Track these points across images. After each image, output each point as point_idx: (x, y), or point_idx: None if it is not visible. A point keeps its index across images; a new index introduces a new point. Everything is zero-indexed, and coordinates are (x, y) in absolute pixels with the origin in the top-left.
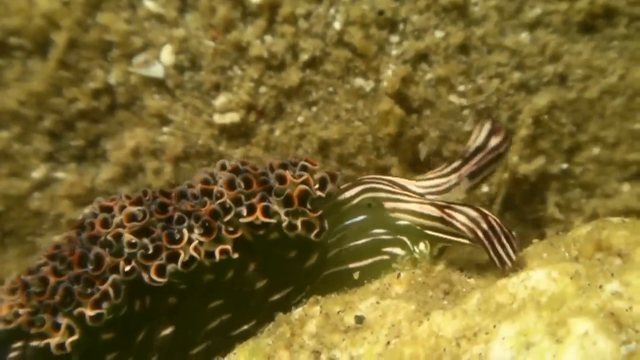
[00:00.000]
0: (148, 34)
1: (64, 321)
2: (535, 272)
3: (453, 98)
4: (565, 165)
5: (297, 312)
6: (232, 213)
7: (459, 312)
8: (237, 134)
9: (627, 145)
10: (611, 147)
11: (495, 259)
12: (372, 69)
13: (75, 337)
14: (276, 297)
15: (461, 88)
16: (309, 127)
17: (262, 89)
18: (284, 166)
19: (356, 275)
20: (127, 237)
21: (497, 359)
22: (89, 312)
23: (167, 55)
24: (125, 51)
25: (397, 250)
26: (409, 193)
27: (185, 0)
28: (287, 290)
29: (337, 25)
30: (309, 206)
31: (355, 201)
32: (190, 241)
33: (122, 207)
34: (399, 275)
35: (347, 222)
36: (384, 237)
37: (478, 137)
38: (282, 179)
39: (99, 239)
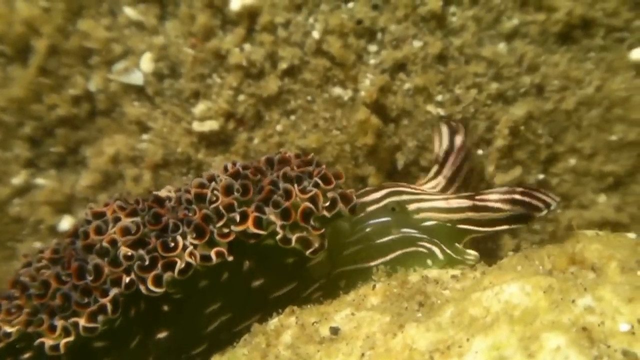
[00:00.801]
0: (128, 42)
1: (59, 323)
2: (509, 286)
3: (431, 108)
4: (541, 176)
5: (272, 323)
6: (225, 219)
7: (432, 325)
8: (216, 141)
9: (604, 156)
10: (588, 158)
11: (540, 205)
12: (350, 78)
13: (70, 339)
14: (279, 293)
15: (439, 98)
16: (288, 136)
17: (241, 97)
18: (299, 179)
19: (382, 268)
20: (124, 250)
21: None
22: (84, 324)
23: (146, 62)
24: (105, 58)
25: (435, 249)
26: (431, 192)
27: (165, 8)
28: (290, 286)
29: (315, 34)
30: (312, 223)
31: (382, 203)
32: (184, 248)
33: (117, 219)
34: (374, 287)
35: (371, 222)
36: (416, 234)
37: (442, 142)
38: (288, 195)
39: (94, 247)
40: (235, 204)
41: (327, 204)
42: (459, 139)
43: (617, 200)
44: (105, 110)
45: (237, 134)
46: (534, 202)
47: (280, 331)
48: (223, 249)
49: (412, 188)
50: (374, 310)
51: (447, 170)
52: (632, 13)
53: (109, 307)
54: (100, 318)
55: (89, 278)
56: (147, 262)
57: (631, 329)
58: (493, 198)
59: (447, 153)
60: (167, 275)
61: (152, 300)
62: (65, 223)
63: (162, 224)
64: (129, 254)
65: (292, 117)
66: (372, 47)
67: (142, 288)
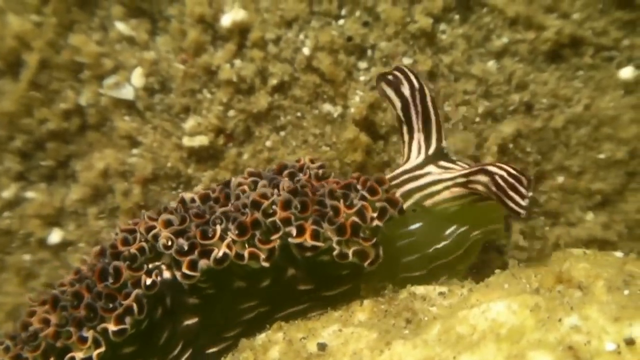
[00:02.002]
0: (119, 56)
1: (89, 334)
2: (496, 304)
3: None
4: (529, 194)
5: (260, 338)
6: (280, 233)
7: (419, 342)
8: (205, 156)
9: (592, 174)
10: (576, 176)
11: (513, 208)
12: (340, 94)
13: (101, 350)
14: (330, 293)
15: None
16: (277, 152)
17: (231, 113)
18: (345, 195)
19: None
20: (164, 238)
21: None
22: (112, 327)
23: (137, 77)
24: (96, 73)
25: (491, 227)
26: (431, 178)
27: (156, 23)
28: (344, 288)
29: (306, 50)
30: (362, 235)
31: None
32: (222, 238)
33: (150, 228)
34: (362, 303)
35: (407, 229)
36: (462, 229)
37: (394, 100)
38: (336, 212)
39: (121, 254)
40: (292, 218)
41: (377, 214)
42: (405, 90)
43: (604, 218)
44: (95, 125)
45: (227, 150)
46: (506, 196)
47: (267, 346)
48: (258, 252)
49: (412, 176)
50: (362, 326)
51: (416, 124)
52: (620, 32)
53: (135, 307)
54: (128, 320)
55: (110, 281)
56: (185, 248)
57: (617, 349)
58: (482, 181)
59: (405, 107)
60: (202, 263)
61: (180, 296)
62: (55, 236)
63: (206, 218)
64: (169, 242)
65: (282, 133)
66: (362, 64)
67: (177, 274)
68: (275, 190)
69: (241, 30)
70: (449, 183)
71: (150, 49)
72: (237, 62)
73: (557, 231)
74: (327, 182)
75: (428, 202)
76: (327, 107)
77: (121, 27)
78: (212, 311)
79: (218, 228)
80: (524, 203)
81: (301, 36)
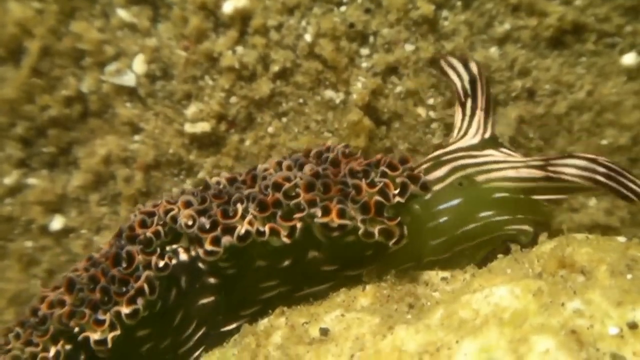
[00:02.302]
0: (120, 43)
1: (106, 316)
2: (498, 289)
3: (422, 111)
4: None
5: (262, 323)
6: (305, 213)
7: (422, 327)
8: (207, 143)
9: None
10: None
11: (630, 195)
12: (342, 81)
13: (116, 333)
14: (353, 273)
15: (430, 101)
16: (279, 138)
17: (233, 99)
18: (366, 172)
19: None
20: (184, 218)
21: None
22: (125, 310)
23: (139, 64)
24: (98, 59)
25: (524, 227)
26: (493, 158)
27: (158, 10)
28: (368, 268)
29: (308, 37)
30: (386, 214)
31: (447, 181)
32: (243, 217)
33: (169, 210)
34: (364, 288)
35: (443, 206)
36: (498, 218)
37: (461, 75)
38: (358, 190)
39: (137, 237)
40: (318, 199)
41: (398, 190)
42: (474, 66)
43: (607, 203)
44: (97, 111)
45: (229, 136)
46: (624, 187)
47: (270, 332)
48: (279, 227)
49: (471, 154)
50: (364, 311)
51: (481, 101)
52: (623, 19)
53: (146, 288)
54: (140, 301)
55: (123, 265)
56: (207, 226)
57: (620, 333)
58: (569, 172)
59: (473, 82)
60: (225, 240)
61: (197, 277)
62: (57, 223)
63: (226, 198)
64: (190, 222)
65: (284, 120)
66: (364, 51)
67: (199, 252)
68: (299, 173)
69: (243, 17)
70: (518, 164)
71: (152, 36)
72: (239, 49)
73: (559, 217)
74: (350, 160)
75: (481, 177)
76: (329, 93)
77: (123, 14)
78: (232, 290)
79: (239, 207)
80: (638, 188)
81: (303, 23)
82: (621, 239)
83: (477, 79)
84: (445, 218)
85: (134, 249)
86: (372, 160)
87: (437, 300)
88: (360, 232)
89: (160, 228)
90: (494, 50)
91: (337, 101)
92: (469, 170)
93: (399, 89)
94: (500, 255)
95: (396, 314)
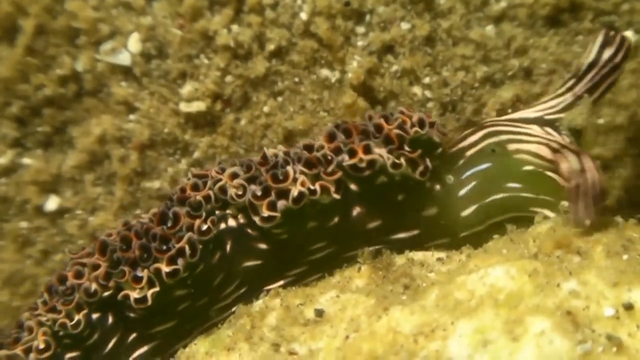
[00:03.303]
0: (115, 22)
1: (144, 273)
2: (494, 269)
3: (418, 90)
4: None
5: (257, 304)
6: (334, 163)
7: (417, 308)
8: (203, 122)
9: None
10: None
11: (572, 216)
12: (338, 59)
13: (156, 290)
14: (399, 235)
15: (426, 80)
16: (275, 117)
17: (229, 78)
18: (385, 116)
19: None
20: (233, 189)
21: (454, 356)
22: (165, 269)
23: (134, 43)
24: (93, 38)
25: (545, 211)
26: (530, 131)
27: None
28: (413, 232)
29: (303, 15)
30: (407, 147)
31: (480, 146)
32: (295, 180)
33: (217, 181)
34: (359, 269)
35: (472, 171)
36: (524, 194)
37: (590, 52)
38: (378, 128)
39: (188, 199)
40: (342, 145)
41: (417, 123)
42: (608, 52)
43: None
44: (92, 91)
45: (224, 115)
46: (575, 205)
47: (265, 313)
48: (328, 184)
49: (511, 124)
50: (359, 292)
51: (580, 87)
52: None
53: (187, 249)
54: (180, 262)
55: (168, 225)
56: (259, 193)
57: (616, 314)
58: (564, 167)
59: (591, 65)
60: (280, 203)
61: (245, 242)
62: (52, 203)
63: (272, 162)
64: (240, 192)
65: (280, 99)
66: (360, 29)
67: (256, 219)
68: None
69: None
70: (542, 140)
71: (147, 14)
72: (235, 28)
73: None
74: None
75: (512, 146)
76: (324, 72)
77: None
78: (280, 254)
79: (290, 169)
80: (587, 221)
81: (299, 1)
82: (618, 219)
83: (597, 66)
84: (473, 183)
85: (180, 210)
86: (388, 112)
87: (433, 281)
88: (389, 163)
89: (211, 192)
90: (490, 29)
91: (333, 80)
92: (502, 137)
93: (394, 67)
94: (496, 236)
95: (391, 295)
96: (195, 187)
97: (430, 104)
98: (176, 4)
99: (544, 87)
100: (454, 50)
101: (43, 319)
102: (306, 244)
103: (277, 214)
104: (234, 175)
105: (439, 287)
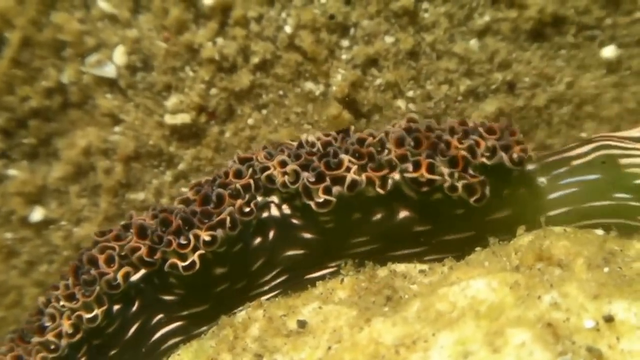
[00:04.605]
0: (101, 34)
1: (191, 236)
2: (476, 281)
3: (402, 103)
4: None
5: (240, 315)
6: (398, 169)
7: (399, 320)
8: (187, 134)
9: None
10: None
11: None
12: (322, 73)
13: (201, 252)
14: (449, 237)
15: (410, 94)
16: (259, 130)
17: (213, 91)
18: (465, 133)
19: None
20: (282, 179)
21: None
22: (204, 235)
23: (119, 55)
24: (79, 51)
25: None
26: None
27: (139, 1)
28: (466, 234)
29: (288, 28)
30: (470, 172)
31: (589, 158)
32: (348, 169)
33: (264, 169)
34: (342, 280)
35: (576, 179)
36: (634, 203)
37: None
38: (448, 146)
39: (228, 186)
40: (409, 154)
41: (488, 153)
42: None
43: None
44: (77, 103)
45: (209, 127)
46: None
47: (247, 324)
48: (374, 177)
49: (623, 141)
50: (342, 304)
51: None
52: (603, 11)
53: (228, 221)
54: (220, 232)
55: (211, 205)
56: (313, 179)
57: (596, 326)
58: None
59: None
60: (335, 189)
61: (289, 231)
62: (37, 214)
63: (325, 151)
64: (292, 179)
65: (264, 111)
66: (344, 42)
67: (311, 204)
68: (391, 128)
69: (223, 9)
70: None
71: (132, 27)
72: (220, 40)
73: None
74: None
75: (625, 161)
76: (309, 85)
77: (103, 5)
78: (324, 244)
79: (344, 157)
80: None
81: (283, 14)
82: (599, 232)
83: None
84: (574, 189)
85: (224, 192)
86: (477, 124)
87: (415, 292)
88: (446, 185)
89: (251, 181)
90: (473, 43)
91: (317, 93)
92: (614, 151)
93: (378, 81)
94: (478, 248)
95: (374, 306)
96: (237, 175)
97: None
98: (162, 17)
99: (527, 100)
100: (437, 63)
101: (59, 305)
102: (348, 236)
103: (333, 199)
104: (283, 163)
105: (421, 298)
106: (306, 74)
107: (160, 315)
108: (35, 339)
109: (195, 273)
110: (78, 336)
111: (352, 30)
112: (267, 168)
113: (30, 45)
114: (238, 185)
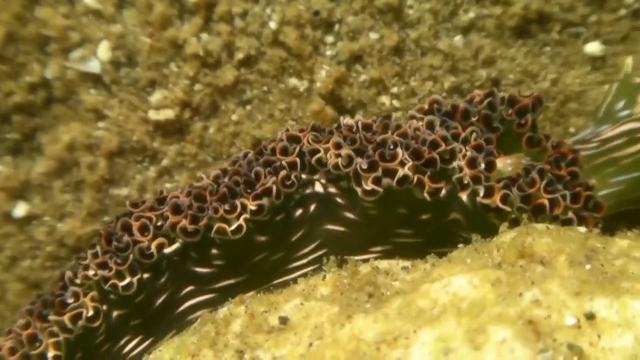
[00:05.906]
0: (85, 30)
1: (238, 202)
2: (457, 278)
3: (386, 100)
4: None
5: (222, 311)
6: (470, 189)
7: (380, 316)
8: (171, 130)
9: None
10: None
11: None
12: (306, 69)
13: (247, 216)
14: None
15: (394, 90)
16: (243, 126)
17: (197, 87)
18: (550, 182)
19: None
20: (334, 160)
21: None
22: (251, 204)
23: (104, 50)
24: (63, 46)
25: None
26: None
27: None
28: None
29: (272, 24)
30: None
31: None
32: (402, 163)
33: (314, 151)
34: (324, 277)
35: (623, 177)
36: None
37: None
38: (531, 184)
39: (273, 164)
40: (482, 177)
41: (563, 217)
42: None
43: None
44: (61, 98)
45: (193, 123)
46: None
47: (229, 320)
48: (425, 181)
49: None
50: (324, 300)
51: None
52: (588, 8)
53: (274, 189)
54: (265, 200)
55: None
56: (365, 166)
57: (577, 323)
58: None
59: None
60: (385, 181)
61: (332, 208)
62: (20, 209)
63: (378, 141)
64: (345, 162)
65: (248, 107)
66: (329, 39)
67: (358, 190)
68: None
69: (208, 4)
70: None
71: (116, 23)
72: (204, 36)
73: None
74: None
75: None
76: (293, 81)
77: (88, 0)
78: (367, 228)
79: (399, 151)
80: None
81: (268, 10)
82: (581, 229)
83: None
84: (621, 187)
85: (261, 170)
86: (566, 154)
87: (397, 289)
88: (513, 216)
89: (298, 159)
90: (458, 39)
91: (301, 89)
92: None
93: (363, 77)
94: (460, 245)
95: (355, 303)
96: (283, 152)
97: (397, 114)
98: (146, 13)
99: None
100: (422, 60)
101: (91, 273)
102: (393, 225)
103: (380, 190)
104: (338, 145)
105: (403, 295)
106: (290, 70)
107: (191, 287)
108: (52, 317)
109: (239, 240)
110: (97, 322)
111: (336, 27)
112: (317, 151)
113: (15, 40)
114: (284, 162)
